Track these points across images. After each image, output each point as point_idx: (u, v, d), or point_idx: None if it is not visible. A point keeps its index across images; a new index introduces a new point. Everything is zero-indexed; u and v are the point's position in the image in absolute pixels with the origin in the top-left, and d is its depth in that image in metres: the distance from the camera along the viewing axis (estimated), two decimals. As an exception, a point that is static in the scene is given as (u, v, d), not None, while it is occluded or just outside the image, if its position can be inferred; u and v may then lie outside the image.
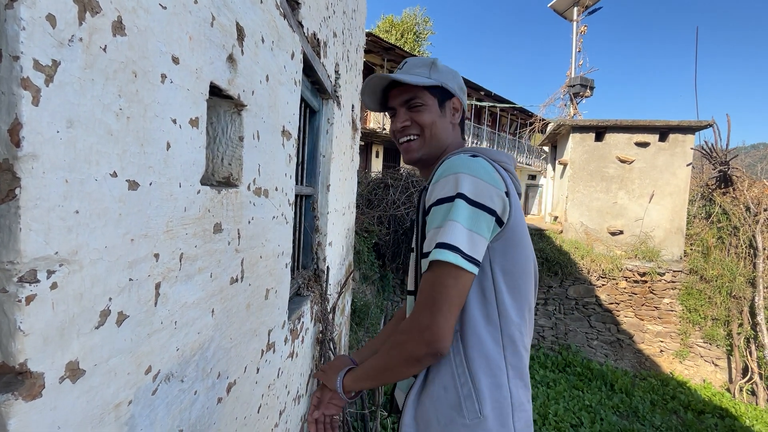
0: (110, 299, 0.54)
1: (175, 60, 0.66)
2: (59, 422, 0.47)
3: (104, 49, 0.50)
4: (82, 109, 0.47)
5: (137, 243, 0.59)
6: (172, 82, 0.66)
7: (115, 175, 0.54)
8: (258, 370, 1.22)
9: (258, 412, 1.25)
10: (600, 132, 7.27)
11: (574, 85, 9.54)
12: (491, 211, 0.71)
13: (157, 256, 0.65)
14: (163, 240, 0.66)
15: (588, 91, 9.57)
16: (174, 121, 0.67)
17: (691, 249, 6.86)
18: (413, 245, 0.84)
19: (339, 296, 2.62)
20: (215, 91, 0.87)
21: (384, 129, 12.65)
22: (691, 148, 6.85)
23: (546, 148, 10.64)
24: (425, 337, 0.68)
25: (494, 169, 0.77)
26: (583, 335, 6.87)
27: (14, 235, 0.41)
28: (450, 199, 0.71)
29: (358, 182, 6.07)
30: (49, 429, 0.46)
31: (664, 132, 6.99)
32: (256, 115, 1.07)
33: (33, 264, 0.43)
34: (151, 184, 0.62)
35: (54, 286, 0.45)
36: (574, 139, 7.36)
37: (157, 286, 0.65)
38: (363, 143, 12.86)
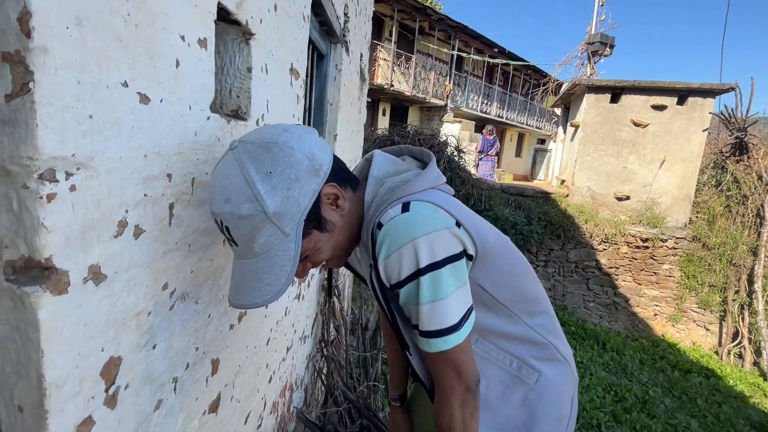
0: (126, 211, 0.55)
1: (182, -30, 0.63)
2: (85, 320, 0.50)
3: (109, -56, 0.47)
4: (89, 7, 0.45)
5: (150, 159, 0.59)
6: (179, -6, 0.63)
7: (126, 84, 0.53)
8: (266, 305, 1.27)
9: (267, 344, 1.32)
10: (616, 93, 7.01)
11: (593, 43, 9.08)
12: (460, 255, 0.68)
13: (169, 176, 0.65)
14: (175, 161, 0.66)
15: (607, 49, 9.13)
16: (182, 38, 0.65)
17: (697, 217, 6.84)
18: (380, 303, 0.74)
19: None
20: (223, 15, 0.83)
21: (392, 85, 12.26)
22: (710, 113, 6.62)
23: (558, 111, 10.33)
24: (465, 396, 0.69)
25: (434, 206, 0.69)
26: (580, 297, 7.04)
27: (31, 131, 0.41)
28: (414, 277, 0.64)
29: (365, 139, 5.97)
30: (76, 325, 0.48)
31: (683, 94, 6.73)
32: (264, 47, 1.03)
33: (51, 162, 0.43)
34: (161, 101, 0.61)
35: (73, 188, 0.46)
36: (588, 100, 7.12)
37: (171, 206, 0.66)
38: (370, 100, 12.51)
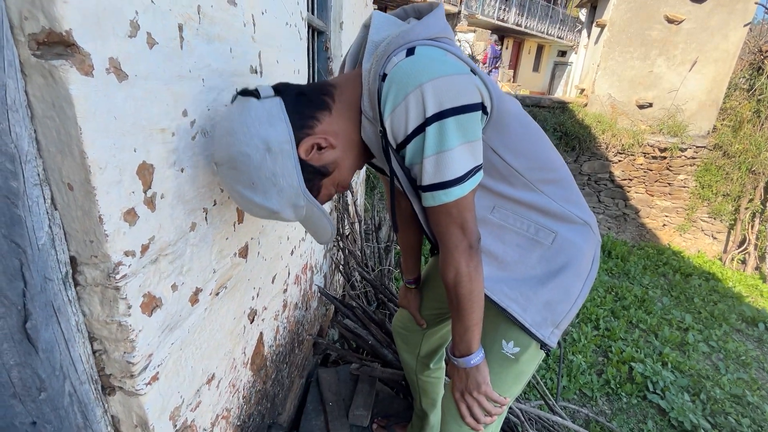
0: (137, 12, 0.55)
1: None
2: (114, 113, 0.52)
3: None
4: None
5: (152, -38, 0.57)
6: None
7: None
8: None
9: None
10: (651, -16, 6.27)
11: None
12: (476, 107, 0.63)
13: (174, -9, 0.63)
14: (177, -23, 0.63)
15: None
16: None
17: (722, 124, 6.53)
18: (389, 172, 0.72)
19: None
20: None
21: (399, -11, 11.10)
22: (756, 2, 5.94)
23: (583, 15, 9.36)
24: (469, 252, 0.70)
25: (444, 51, 0.63)
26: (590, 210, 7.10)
27: None
28: (422, 128, 0.60)
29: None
30: (107, 115, 0.51)
31: (728, -18, 5.98)
32: None
33: None
34: None
35: (79, -39, 0.45)
36: (619, -7, 6.41)
37: (180, 28, 0.65)
38: (377, 6, 11.47)
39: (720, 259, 6.68)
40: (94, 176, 0.50)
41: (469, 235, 0.70)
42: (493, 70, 8.21)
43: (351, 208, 2.42)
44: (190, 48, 0.69)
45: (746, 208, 6.29)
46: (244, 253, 1.01)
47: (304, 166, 0.66)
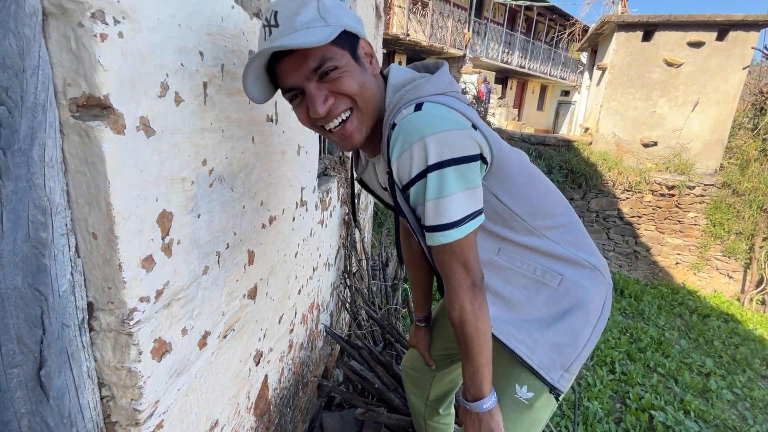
0: (167, 75, 0.60)
1: None
2: (141, 167, 0.56)
3: None
4: None
5: (184, 30, 0.63)
6: None
7: (157, -56, 0.55)
8: (294, 219, 1.34)
9: (295, 257, 1.40)
10: (649, 30, 6.54)
11: (626, -25, 8.34)
12: (474, 158, 0.68)
13: (201, 54, 0.68)
14: (206, 41, 0.69)
15: (642, -17, 8.36)
16: None
17: (729, 162, 6.55)
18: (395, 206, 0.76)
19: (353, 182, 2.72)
20: None
21: (408, 35, 11.71)
22: (753, 48, 6.12)
23: (584, 58, 9.72)
24: (473, 291, 0.72)
25: (448, 108, 0.68)
26: (600, 247, 7.01)
27: (81, -33, 0.44)
28: (423, 174, 0.65)
29: (380, 89, 5.84)
30: (134, 168, 0.54)
31: (724, 29, 6.21)
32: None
33: (100, 3, 0.47)
34: (189, -27, 0.63)
35: (120, 35, 0.50)
36: (618, 39, 6.67)
37: (205, 85, 0.70)
38: (385, 51, 12.07)
39: (738, 300, 6.46)
40: (117, 226, 0.52)
41: (472, 274, 0.72)
42: (489, 100, 9.16)
43: (359, 245, 2.43)
44: (213, 103, 0.73)
45: (761, 247, 6.16)
46: (253, 294, 1.02)
47: (354, 39, 0.68)
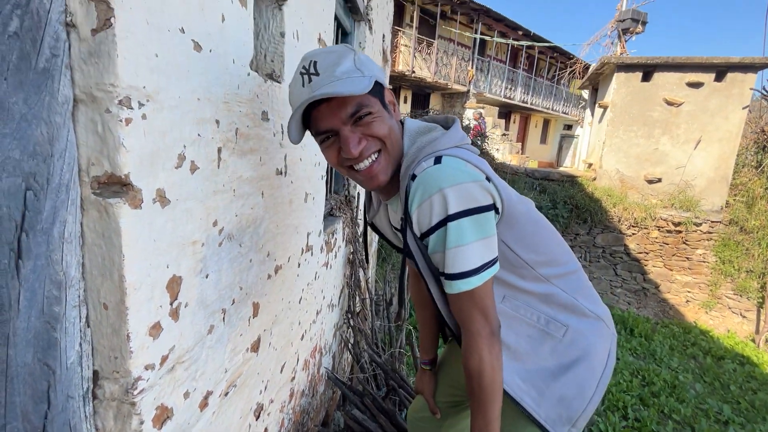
0: (184, 146, 0.62)
1: (226, -70, 0.68)
2: (154, 236, 0.57)
3: None
4: (155, -44, 0.52)
5: (202, 103, 0.66)
6: (224, -48, 0.68)
7: (183, 31, 0.59)
8: (299, 265, 1.35)
9: (299, 302, 1.40)
10: (648, 71, 6.72)
11: (624, 20, 8.69)
12: (488, 208, 0.72)
13: (217, 122, 0.72)
14: (222, 109, 0.73)
15: (639, 26, 8.72)
16: (227, -5, 0.71)
17: (735, 199, 6.53)
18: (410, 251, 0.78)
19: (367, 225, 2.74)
20: (258, -20, 0.89)
21: (413, 72, 12.13)
22: (751, 89, 6.25)
23: (585, 94, 9.97)
24: (491, 339, 0.74)
25: (465, 162, 0.72)
26: (607, 283, 6.89)
27: (113, 61, 0.48)
28: (443, 223, 0.69)
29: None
30: (148, 239, 0.56)
31: (722, 70, 6.38)
32: (296, 14, 1.08)
33: (128, 91, 0.50)
34: (210, 51, 0.67)
35: (144, 116, 0.53)
36: (618, 79, 6.85)
37: (219, 150, 0.73)
38: (391, 87, 12.46)
39: (753, 341, 6.25)
40: (128, 297, 0.53)
41: (491, 321, 0.74)
42: (482, 123, 9.10)
43: (362, 284, 2.42)
44: (226, 165, 0.76)
45: (773, 286, 6.03)
46: (255, 346, 1.01)
47: (382, 88, 0.75)
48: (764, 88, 6.31)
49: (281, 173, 1.08)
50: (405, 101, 13.63)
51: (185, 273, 0.66)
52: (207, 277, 0.73)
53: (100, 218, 0.51)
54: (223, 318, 0.81)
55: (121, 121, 0.49)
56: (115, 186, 0.52)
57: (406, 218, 0.73)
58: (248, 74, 0.83)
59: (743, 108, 6.34)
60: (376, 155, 0.74)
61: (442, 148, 0.74)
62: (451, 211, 0.68)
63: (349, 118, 0.70)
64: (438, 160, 0.71)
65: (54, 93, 0.46)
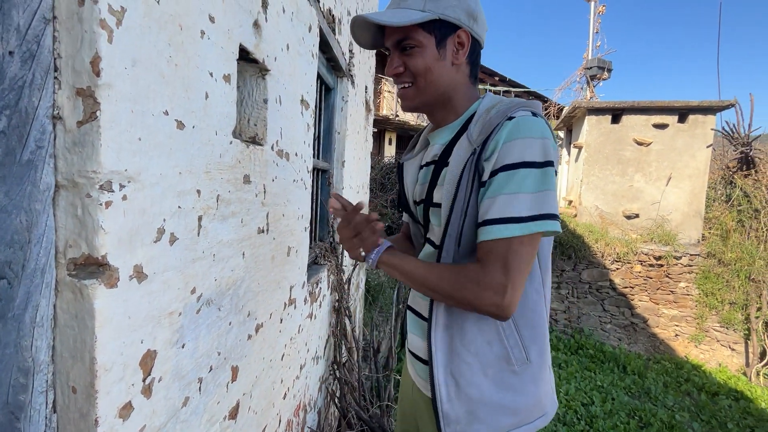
0: (164, 220, 0.64)
1: (212, 19, 0.74)
2: (129, 313, 0.57)
3: (158, 2, 0.59)
4: (142, 51, 0.56)
5: (184, 177, 0.69)
6: (209, 38, 0.74)
7: (166, 113, 0.63)
8: (281, 320, 1.33)
9: (282, 359, 1.36)
10: (617, 114, 7.14)
11: (591, 68, 9.34)
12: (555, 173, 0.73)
13: (198, 192, 0.74)
14: (203, 179, 0.75)
15: (605, 73, 9.36)
16: (211, 74, 0.76)
17: (710, 233, 6.75)
18: (444, 202, 0.75)
19: (353, 269, 2.73)
20: (243, 55, 0.95)
21: (397, 116, 12.61)
22: (712, 129, 6.67)
23: (561, 134, 10.48)
24: (496, 299, 0.67)
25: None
26: (597, 319, 6.87)
27: (96, 150, 0.50)
28: (540, 165, 0.67)
29: (372, 167, 6.15)
30: (123, 317, 0.56)
31: (683, 113, 6.82)
32: (278, 81, 1.15)
33: (109, 176, 0.52)
34: (194, 127, 0.71)
35: (125, 197, 0.55)
36: (590, 121, 7.25)
37: (200, 218, 0.75)
38: (376, 130, 12.89)
39: (744, 374, 6.21)
40: (98, 380, 0.52)
41: (509, 290, 0.67)
42: None
43: (349, 332, 2.37)
44: (206, 232, 0.78)
45: (756, 317, 6.10)
46: (234, 413, 0.97)
47: (447, 28, 0.76)
48: (723, 129, 6.74)
49: (263, 231, 1.10)
50: (390, 143, 14.03)
51: (160, 346, 0.65)
52: (183, 347, 0.72)
53: (75, 300, 0.52)
54: (200, 388, 0.79)
55: (101, 204, 0.51)
56: (92, 267, 0.52)
57: (481, 151, 0.71)
58: (230, 142, 0.86)
59: (707, 146, 6.73)
60: (408, 85, 0.80)
61: (536, 110, 0.75)
62: (537, 158, 0.67)
63: (396, 44, 0.78)
64: (535, 114, 0.73)
65: (36, 182, 0.48)
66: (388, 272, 0.78)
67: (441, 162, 0.79)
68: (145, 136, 0.58)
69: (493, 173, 0.69)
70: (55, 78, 0.49)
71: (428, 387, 0.81)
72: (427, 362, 0.79)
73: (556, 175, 0.72)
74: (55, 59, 0.49)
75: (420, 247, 0.94)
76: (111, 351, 0.54)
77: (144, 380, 0.61)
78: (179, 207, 0.68)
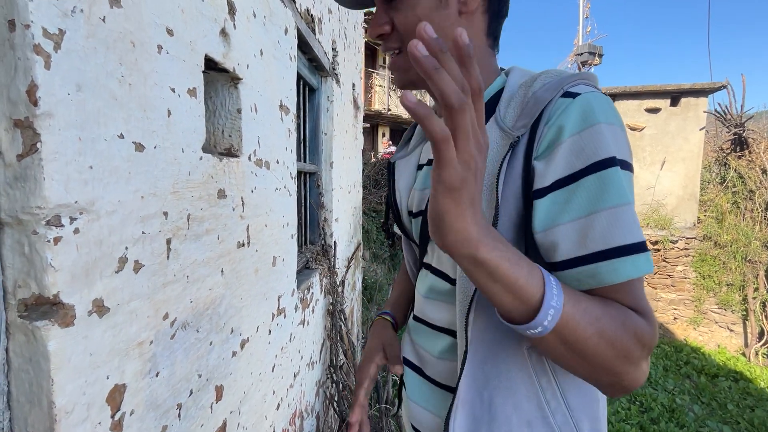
0: (126, 248, 0.61)
1: (170, 32, 0.71)
2: (91, 350, 0.55)
3: (103, 20, 0.55)
4: (88, 75, 0.53)
5: (147, 200, 0.66)
6: (168, 53, 0.71)
7: (122, 136, 0.60)
8: (270, 332, 1.31)
9: (272, 371, 1.34)
10: (609, 100, 7.12)
11: (581, 54, 9.29)
12: None
13: (166, 214, 0.71)
14: (170, 200, 0.72)
15: (596, 58, 9.31)
16: (173, 90, 0.73)
17: (705, 215, 6.76)
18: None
19: (347, 270, 2.71)
20: (211, 65, 0.92)
21: (389, 110, 12.54)
22: (704, 112, 6.66)
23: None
24: (647, 368, 0.46)
25: None
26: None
27: (39, 184, 0.47)
28: (609, 164, 0.44)
29: (365, 163, 6.11)
30: (83, 355, 0.53)
31: (675, 96, 6.80)
32: (252, 89, 1.11)
33: (57, 210, 0.49)
34: (155, 147, 0.68)
35: (77, 231, 0.52)
36: (582, 108, 7.23)
37: (168, 241, 0.72)
38: (369, 125, 12.81)
39: (743, 354, 6.27)
40: (58, 423, 0.50)
41: (651, 337, 0.45)
42: None
43: (345, 337, 2.35)
44: (177, 254, 0.75)
45: (754, 298, 6.14)
46: (221, 433, 0.95)
47: None
48: (716, 110, 6.73)
49: (243, 245, 1.07)
50: (384, 137, 13.96)
51: (130, 378, 0.63)
52: (157, 375, 0.69)
53: (27, 342, 0.49)
54: (179, 414, 0.76)
55: (49, 241, 0.48)
56: (44, 306, 0.50)
57: (529, 143, 0.48)
58: (200, 158, 0.83)
59: (700, 129, 6.72)
60: (398, 51, 0.57)
61: (597, 84, 0.53)
62: (622, 155, 0.46)
63: None
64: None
65: (-25, 222, 0.45)
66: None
67: None
68: (98, 164, 0.55)
69: (572, 177, 0.45)
70: (-9, 109, 0.46)
71: None
72: None
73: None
74: (-11, 89, 0.46)
75: (414, 276, 0.73)
76: (71, 392, 0.52)
77: (113, 416, 0.59)
78: (143, 233, 0.65)
